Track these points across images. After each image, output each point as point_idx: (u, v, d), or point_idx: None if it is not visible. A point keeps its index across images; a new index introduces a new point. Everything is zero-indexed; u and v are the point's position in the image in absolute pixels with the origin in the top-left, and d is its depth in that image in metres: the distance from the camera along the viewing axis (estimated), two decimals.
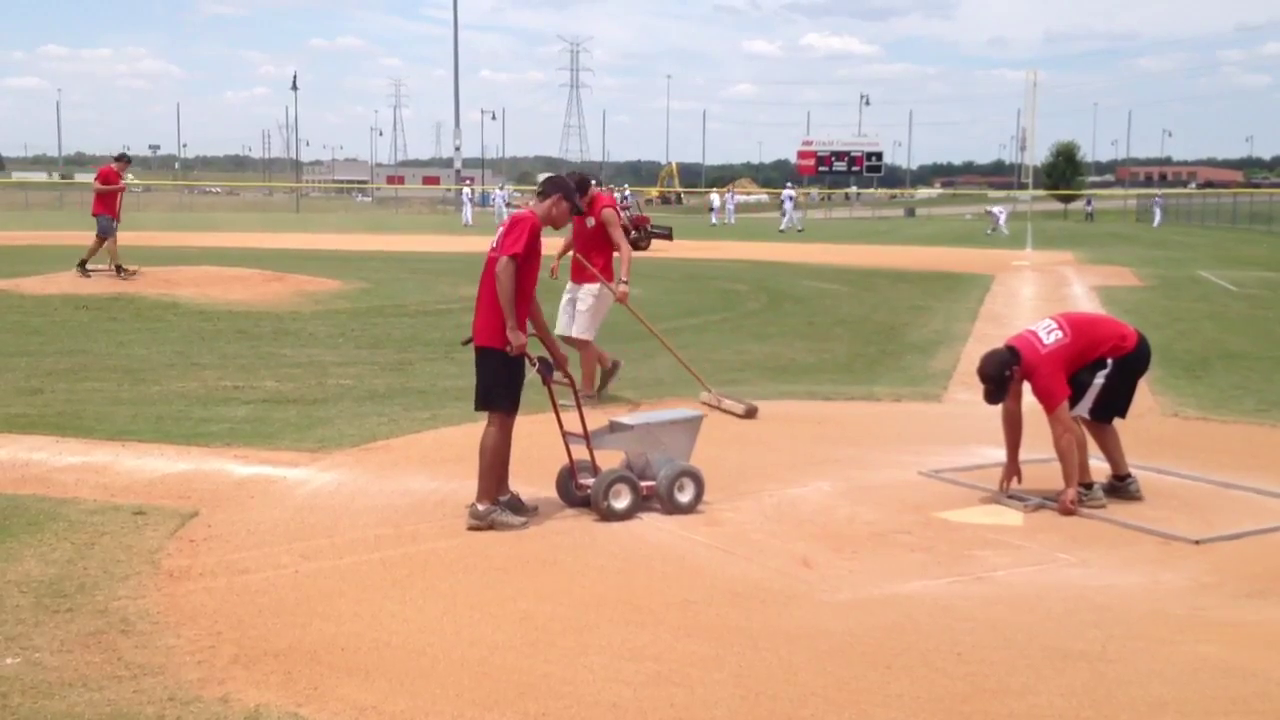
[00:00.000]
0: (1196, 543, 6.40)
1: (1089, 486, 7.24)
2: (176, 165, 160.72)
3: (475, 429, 6.97)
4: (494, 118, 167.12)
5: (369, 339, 14.52)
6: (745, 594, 5.56)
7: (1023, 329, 7.64)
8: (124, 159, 20.56)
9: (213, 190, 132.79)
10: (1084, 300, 20.60)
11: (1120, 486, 7.38)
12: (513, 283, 6.52)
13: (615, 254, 10.41)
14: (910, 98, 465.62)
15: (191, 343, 13.75)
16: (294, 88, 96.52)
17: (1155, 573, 5.98)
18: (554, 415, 6.93)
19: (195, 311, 16.77)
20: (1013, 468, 7.41)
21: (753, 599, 5.50)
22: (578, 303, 10.38)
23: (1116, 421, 7.49)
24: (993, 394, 7.28)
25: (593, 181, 11.07)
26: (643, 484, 6.86)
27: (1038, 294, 22.39)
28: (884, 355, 13.80)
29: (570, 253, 10.62)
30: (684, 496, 6.88)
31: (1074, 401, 7.28)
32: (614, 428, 7.04)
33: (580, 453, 6.95)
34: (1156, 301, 20.70)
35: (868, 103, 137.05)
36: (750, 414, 9.73)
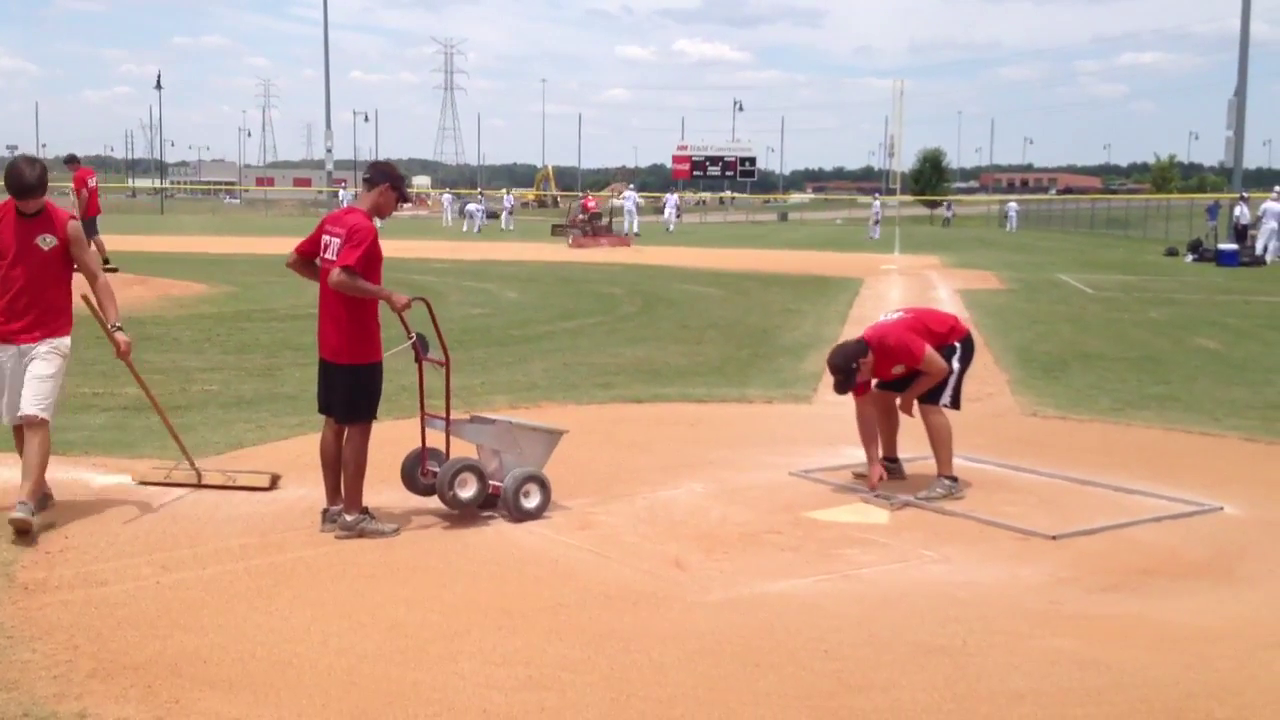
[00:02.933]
0: (1054, 538, 6.60)
1: (954, 480, 7.45)
2: None
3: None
4: (366, 119, 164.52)
5: (236, 344, 14.22)
6: (617, 596, 5.58)
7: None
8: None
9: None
10: (948, 303, 21.09)
11: (894, 468, 7.90)
12: (357, 281, 6.33)
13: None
14: (782, 104, 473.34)
15: None
16: (158, 87, 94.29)
17: (1014, 568, 6.15)
18: (418, 395, 6.88)
19: None
20: (878, 466, 7.61)
21: (624, 601, 5.52)
22: (34, 365, 6.54)
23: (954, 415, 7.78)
24: (841, 384, 7.55)
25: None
26: (491, 483, 6.80)
27: (905, 297, 22.85)
28: (756, 358, 13.96)
29: None
30: (529, 502, 6.80)
31: (939, 392, 7.57)
32: (475, 419, 7.00)
33: (434, 440, 6.88)
34: (1017, 304, 21.30)
35: (741, 108, 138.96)
36: (274, 483, 7.39)
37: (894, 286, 25.50)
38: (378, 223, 6.62)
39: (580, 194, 67.66)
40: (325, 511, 6.62)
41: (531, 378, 11.90)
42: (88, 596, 5.42)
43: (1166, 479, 7.93)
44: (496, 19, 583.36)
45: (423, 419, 6.88)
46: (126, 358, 6.90)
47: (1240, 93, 45.00)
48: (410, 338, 6.63)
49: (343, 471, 6.53)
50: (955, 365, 7.61)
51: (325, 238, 6.58)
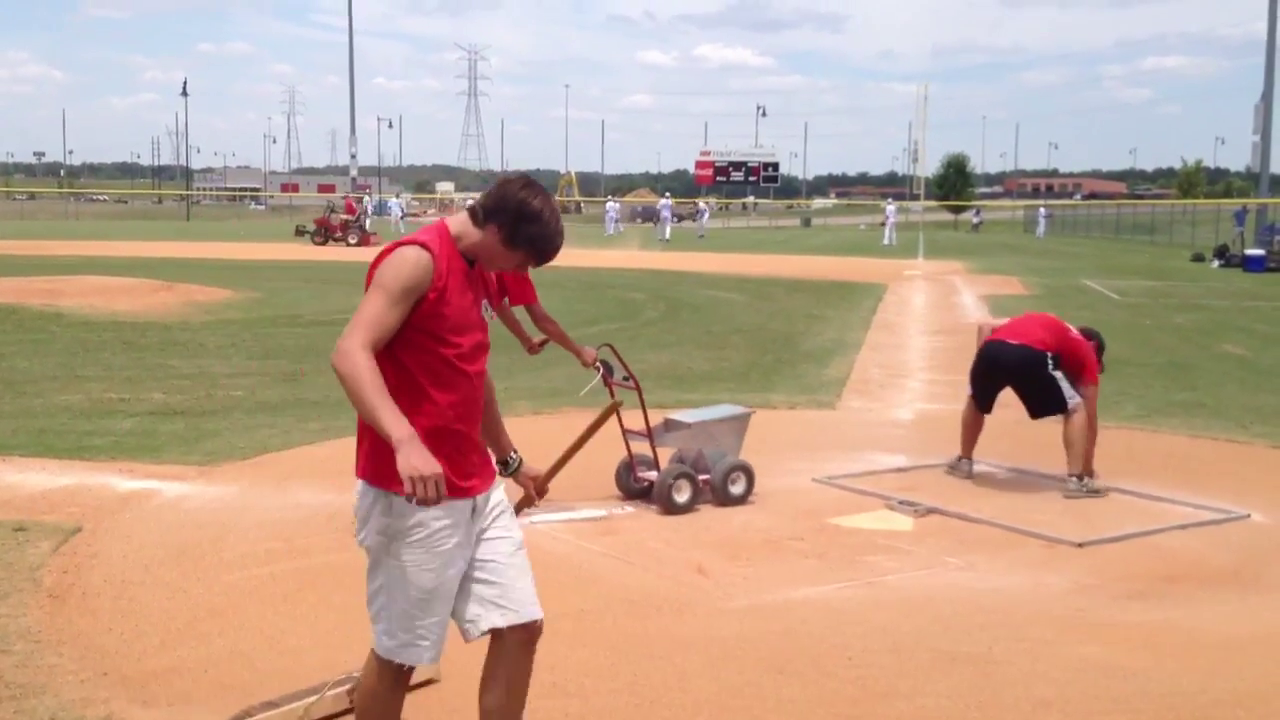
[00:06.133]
0: (1079, 545, 6.56)
1: (1079, 477, 7.72)
2: (62, 172, 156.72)
3: None
4: (390, 125, 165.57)
5: (261, 349, 14.29)
6: (640, 602, 5.58)
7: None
8: None
9: (100, 198, 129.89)
10: (972, 309, 21.02)
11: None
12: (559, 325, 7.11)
13: None
14: (805, 109, 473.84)
15: (75, 354, 13.39)
16: (184, 93, 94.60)
17: (1039, 575, 6.12)
18: (616, 414, 7.05)
19: (80, 322, 16.35)
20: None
21: (648, 607, 5.52)
22: (505, 525, 3.65)
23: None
24: None
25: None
26: (700, 477, 7.22)
27: (929, 302, 22.80)
28: (780, 364, 13.94)
29: None
30: (736, 489, 7.31)
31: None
32: (670, 426, 7.41)
33: (639, 447, 7.31)
34: (1042, 310, 21.11)
35: (764, 114, 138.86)
36: None
37: (918, 292, 25.42)
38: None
39: (341, 195, 67.40)
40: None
41: (554, 383, 11.89)
42: (114, 601, 5.45)
43: (1193, 486, 7.87)
44: (519, 25, 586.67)
45: (624, 433, 7.25)
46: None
47: (1267, 97, 44.72)
48: (597, 369, 7.26)
49: None
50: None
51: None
